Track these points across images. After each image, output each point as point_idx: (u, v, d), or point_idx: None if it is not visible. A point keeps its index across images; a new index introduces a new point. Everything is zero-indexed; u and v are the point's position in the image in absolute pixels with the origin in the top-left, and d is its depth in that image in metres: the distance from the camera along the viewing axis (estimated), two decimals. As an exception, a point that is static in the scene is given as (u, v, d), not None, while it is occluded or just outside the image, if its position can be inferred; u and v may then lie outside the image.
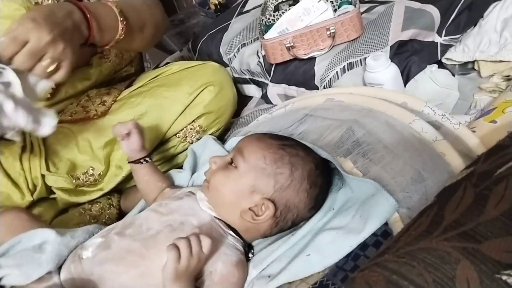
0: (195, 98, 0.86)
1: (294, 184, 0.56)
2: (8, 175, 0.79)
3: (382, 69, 0.76)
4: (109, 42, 0.73)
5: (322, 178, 0.59)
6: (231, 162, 0.59)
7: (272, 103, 1.00)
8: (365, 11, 0.97)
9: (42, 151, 0.80)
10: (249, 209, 0.57)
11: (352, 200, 0.56)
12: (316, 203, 0.58)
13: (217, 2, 1.57)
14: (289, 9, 1.00)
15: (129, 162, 0.74)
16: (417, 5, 0.92)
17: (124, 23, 0.73)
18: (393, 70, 0.77)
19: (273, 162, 0.56)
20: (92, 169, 0.83)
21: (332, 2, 0.99)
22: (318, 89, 0.89)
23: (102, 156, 0.83)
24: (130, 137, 0.71)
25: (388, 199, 0.52)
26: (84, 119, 0.84)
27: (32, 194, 0.79)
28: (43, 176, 0.80)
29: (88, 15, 0.67)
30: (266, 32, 0.98)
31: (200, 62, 0.93)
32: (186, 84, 0.87)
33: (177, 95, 0.85)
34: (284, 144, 0.58)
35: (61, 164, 0.81)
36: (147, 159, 0.73)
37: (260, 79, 1.02)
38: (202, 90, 0.87)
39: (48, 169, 0.80)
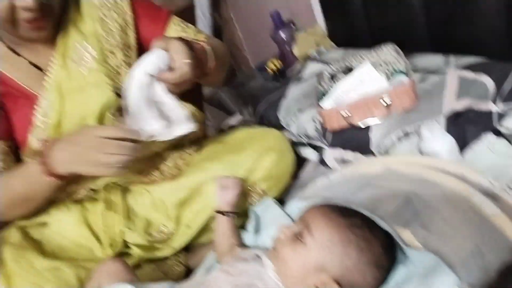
0: (258, 163, 0.94)
1: (361, 268, 0.59)
2: (91, 230, 0.89)
3: (438, 140, 0.80)
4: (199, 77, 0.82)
5: (387, 260, 0.61)
6: (298, 234, 0.64)
7: (329, 167, 1.05)
8: (419, 81, 1.02)
9: (122, 209, 0.90)
10: (314, 286, 0.61)
11: (413, 274, 0.58)
12: (381, 283, 0.61)
13: (274, 68, 1.68)
14: (344, 78, 1.07)
15: (216, 211, 0.84)
16: (471, 75, 0.95)
17: (214, 62, 0.83)
18: (448, 141, 0.80)
19: (341, 244, 0.60)
20: (164, 227, 0.91)
21: (386, 73, 1.06)
22: (374, 155, 0.93)
23: (174, 215, 0.91)
24: (229, 191, 0.84)
25: (450, 274, 0.53)
26: (159, 180, 0.94)
27: (111, 249, 0.88)
28: (122, 232, 0.89)
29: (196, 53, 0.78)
30: (322, 100, 1.05)
31: (263, 129, 1.02)
32: (250, 150, 0.95)
33: (242, 160, 0.93)
34: (351, 224, 0.62)
35: (138, 222, 0.90)
36: (231, 215, 0.83)
37: (317, 143, 1.08)
38: (264, 156, 0.94)
39: (127, 225, 0.89)
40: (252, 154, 0.94)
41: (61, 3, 0.82)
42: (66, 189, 0.90)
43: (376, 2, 1.33)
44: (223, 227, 0.82)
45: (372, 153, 0.94)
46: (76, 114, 0.86)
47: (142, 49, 0.93)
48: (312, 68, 1.31)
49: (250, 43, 2.11)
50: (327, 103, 1.02)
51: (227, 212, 0.83)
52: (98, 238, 0.88)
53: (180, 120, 0.77)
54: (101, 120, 0.87)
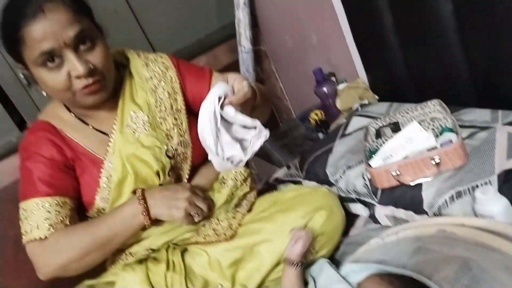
0: (308, 221, 0.98)
1: None
2: (154, 290, 0.94)
3: (492, 202, 0.80)
4: None
5: None
6: None
7: (380, 223, 1.07)
8: (467, 137, 1.03)
9: (182, 269, 0.95)
10: None
11: None
12: None
13: (317, 118, 1.73)
14: (392, 136, 1.10)
15: (285, 261, 0.91)
16: (521, 131, 0.96)
17: (259, 95, 0.87)
18: (503, 203, 0.80)
19: None
20: (221, 286, 0.95)
21: (433, 130, 1.08)
22: (427, 214, 0.94)
23: (229, 275, 0.95)
24: (297, 242, 0.90)
25: None
26: (214, 241, 0.99)
27: (172, 308, 0.93)
28: (182, 292, 0.93)
29: None
30: (370, 158, 1.08)
31: (311, 188, 1.06)
32: (300, 209, 0.99)
33: (293, 220, 0.98)
34: None
35: (197, 281, 0.95)
36: (298, 266, 0.89)
37: (367, 200, 1.10)
38: (315, 215, 0.98)
39: (186, 285, 0.94)
40: (303, 213, 0.98)
41: (112, 68, 0.92)
42: (129, 249, 0.97)
43: (416, 55, 1.37)
44: (290, 277, 0.89)
45: (425, 212, 0.95)
46: (135, 175, 0.95)
47: (190, 108, 1.03)
48: (356, 122, 1.35)
49: (292, 94, 2.19)
50: (375, 161, 1.05)
51: (295, 262, 0.90)
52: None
53: (255, 133, 0.79)
54: (157, 180, 0.96)
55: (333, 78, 1.73)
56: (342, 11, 1.51)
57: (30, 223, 0.91)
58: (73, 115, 0.97)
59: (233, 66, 2.01)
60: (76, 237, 0.91)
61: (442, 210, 0.91)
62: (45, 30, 0.81)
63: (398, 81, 1.45)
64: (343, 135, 1.32)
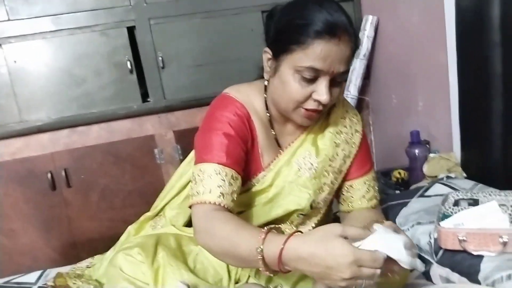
0: None
1: None
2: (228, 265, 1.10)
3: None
4: None
5: None
6: None
7: (432, 282, 1.18)
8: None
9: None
10: None
11: None
12: None
13: (399, 177, 1.87)
14: (468, 208, 1.23)
15: None
16: None
17: None
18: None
19: None
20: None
21: (510, 214, 1.19)
22: (479, 284, 1.05)
23: None
24: None
25: None
26: None
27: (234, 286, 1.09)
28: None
29: None
30: (442, 220, 1.22)
31: None
32: None
33: None
34: None
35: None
36: None
37: (426, 256, 1.23)
38: None
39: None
40: None
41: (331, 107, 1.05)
42: None
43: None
44: None
45: (478, 282, 1.06)
46: (276, 198, 1.07)
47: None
48: (438, 189, 1.48)
49: (380, 148, 2.35)
50: (446, 223, 1.18)
51: None
52: (229, 272, 1.11)
53: None
54: (288, 216, 1.09)
55: (427, 146, 1.87)
56: (456, 87, 1.67)
57: (204, 185, 0.95)
58: (268, 115, 1.07)
59: (335, 106, 2.23)
60: (220, 236, 0.88)
61: (496, 284, 1.01)
62: (329, 54, 0.89)
63: (491, 167, 1.55)
64: (422, 195, 1.46)
